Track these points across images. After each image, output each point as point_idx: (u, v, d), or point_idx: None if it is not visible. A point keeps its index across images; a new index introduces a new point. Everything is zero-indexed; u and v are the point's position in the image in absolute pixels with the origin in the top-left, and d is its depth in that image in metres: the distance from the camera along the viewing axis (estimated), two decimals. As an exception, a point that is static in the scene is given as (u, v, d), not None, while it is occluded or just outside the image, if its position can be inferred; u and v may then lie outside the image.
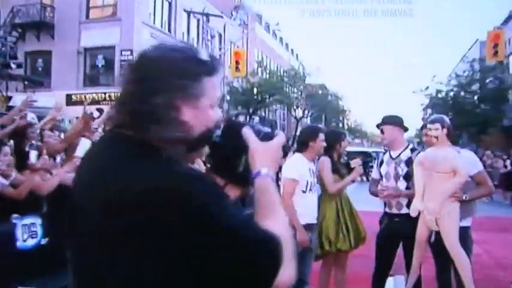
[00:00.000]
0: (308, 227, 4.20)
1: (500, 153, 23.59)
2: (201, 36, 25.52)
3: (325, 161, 4.67)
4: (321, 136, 4.36)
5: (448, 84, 38.27)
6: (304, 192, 4.21)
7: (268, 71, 35.33)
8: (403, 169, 4.41)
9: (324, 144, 4.38)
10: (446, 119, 4.15)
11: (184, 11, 27.68)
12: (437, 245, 4.15)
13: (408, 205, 4.34)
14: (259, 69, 35.25)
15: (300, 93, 41.49)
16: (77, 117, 16.35)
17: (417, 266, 4.28)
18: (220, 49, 30.03)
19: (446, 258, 4.12)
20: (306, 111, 44.95)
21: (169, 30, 27.54)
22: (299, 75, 37.72)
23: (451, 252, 4.00)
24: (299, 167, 4.24)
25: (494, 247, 8.50)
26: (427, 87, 36.98)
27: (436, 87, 37.10)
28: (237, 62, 21.67)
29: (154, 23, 26.14)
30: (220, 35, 33.81)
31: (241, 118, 34.88)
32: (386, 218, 4.54)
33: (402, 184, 4.40)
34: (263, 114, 40.66)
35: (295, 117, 42.46)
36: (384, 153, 4.70)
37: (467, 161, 4.10)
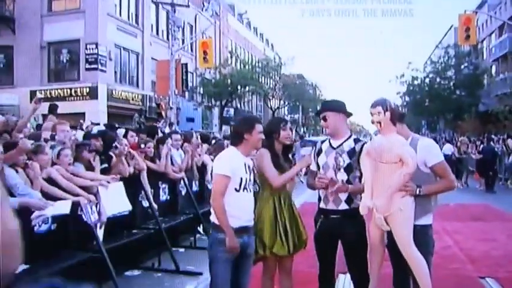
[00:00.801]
0: (243, 230, 3.68)
1: (476, 139, 23.42)
2: (170, 27, 24.69)
3: (264, 153, 4.12)
4: (258, 127, 3.80)
5: (424, 71, 38.25)
6: (237, 190, 3.68)
7: (240, 61, 34.55)
8: (344, 160, 3.87)
9: (261, 136, 3.84)
10: (389, 101, 3.58)
11: (153, 2, 26.81)
12: (392, 247, 3.64)
13: (347, 200, 3.83)
14: (232, 60, 34.49)
15: (275, 83, 41.07)
16: (43, 114, 15.79)
17: (376, 272, 3.73)
18: (191, 38, 29.14)
19: (404, 262, 3.59)
20: (282, 101, 44.54)
21: (136, 22, 26.70)
22: (272, 65, 37.11)
23: (404, 255, 3.46)
24: (232, 161, 3.70)
25: (465, 237, 8.09)
26: (403, 75, 36.90)
27: (412, 74, 37.05)
28: (204, 53, 20.97)
29: (120, 15, 25.25)
30: (191, 26, 33.05)
31: (216, 110, 34.32)
32: (322, 216, 3.99)
33: (342, 176, 3.87)
34: (238, 105, 40.08)
35: (271, 108, 41.96)
36: (323, 142, 4.17)
37: (425, 150, 3.58)
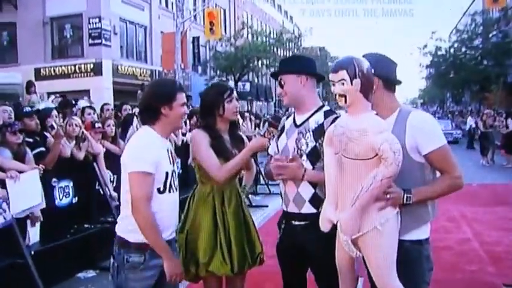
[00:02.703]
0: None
1: (504, 111, 21.77)
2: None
3: (198, 135, 3.02)
4: (181, 98, 2.62)
5: (449, 41, 36.27)
6: (161, 191, 2.56)
7: (253, 33, 32.91)
8: (308, 143, 2.73)
9: (185, 111, 2.70)
10: (362, 62, 2.24)
11: (160, -28, 25.55)
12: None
13: (313, 201, 2.70)
14: (244, 31, 32.93)
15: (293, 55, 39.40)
16: (47, 93, 14.78)
17: None
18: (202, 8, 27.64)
19: None
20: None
21: (144, -7, 25.48)
22: (289, 37, 35.40)
23: None
24: (152, 149, 2.54)
25: (487, 227, 6.87)
26: (426, 45, 35.00)
27: (435, 44, 35.06)
28: (211, 23, 19.79)
29: (125, -14, 24.08)
30: (203, -1, 31.66)
31: (231, 84, 33.06)
32: (284, 221, 2.88)
33: (305, 165, 2.73)
34: (255, 80, 38.77)
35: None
36: (288, 117, 3.02)
37: (418, 130, 2.32)
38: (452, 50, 35.19)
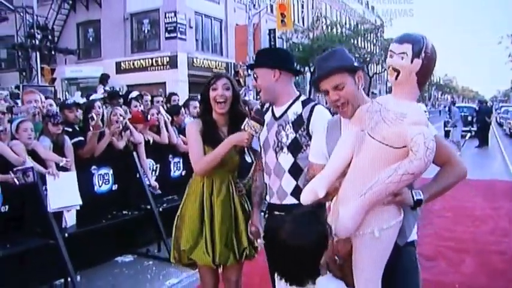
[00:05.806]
0: None
1: None
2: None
3: (190, 124, 3.13)
4: None
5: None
6: None
7: (328, 23, 32.27)
8: (288, 135, 2.69)
9: None
10: (431, 46, 1.93)
11: (236, -35, 25.80)
12: None
13: (295, 192, 2.65)
14: (320, 22, 32.43)
15: (374, 46, 38.45)
16: (127, 85, 15.51)
17: None
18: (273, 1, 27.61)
19: None
20: (380, 67, 41.87)
21: (219, -12, 25.93)
22: (368, 27, 34.42)
23: None
24: None
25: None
26: (517, 32, 32.57)
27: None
28: (282, 15, 19.79)
29: (200, -19, 24.64)
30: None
31: (308, 76, 32.79)
32: (268, 211, 2.88)
33: (286, 159, 2.71)
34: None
35: (368, 74, 39.47)
36: (266, 111, 2.94)
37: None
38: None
